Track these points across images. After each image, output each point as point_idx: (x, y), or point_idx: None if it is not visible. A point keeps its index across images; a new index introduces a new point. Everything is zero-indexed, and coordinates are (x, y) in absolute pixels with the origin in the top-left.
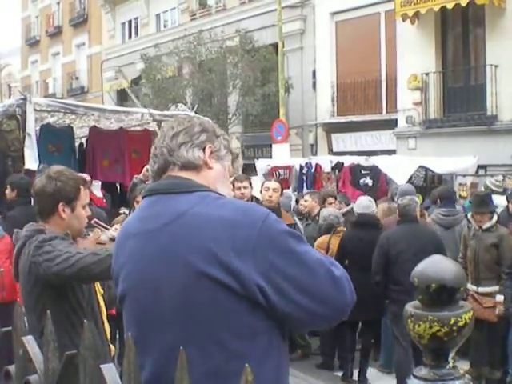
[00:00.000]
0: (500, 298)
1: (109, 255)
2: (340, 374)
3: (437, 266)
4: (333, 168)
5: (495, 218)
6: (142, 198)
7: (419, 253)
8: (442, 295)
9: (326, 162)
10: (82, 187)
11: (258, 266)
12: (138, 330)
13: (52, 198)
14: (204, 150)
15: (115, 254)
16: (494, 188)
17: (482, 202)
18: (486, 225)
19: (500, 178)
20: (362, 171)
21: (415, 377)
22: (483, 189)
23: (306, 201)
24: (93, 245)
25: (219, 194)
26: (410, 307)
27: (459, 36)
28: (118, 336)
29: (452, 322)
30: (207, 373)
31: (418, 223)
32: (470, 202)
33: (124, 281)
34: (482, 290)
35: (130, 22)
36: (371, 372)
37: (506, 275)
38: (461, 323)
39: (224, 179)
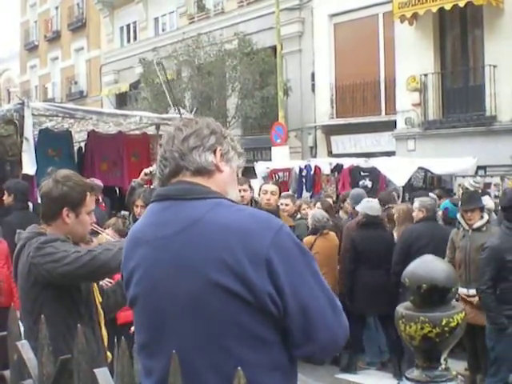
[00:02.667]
0: None
1: (120, 249)
2: (341, 376)
3: (428, 266)
4: (332, 170)
5: (486, 217)
6: (151, 201)
7: (437, 248)
8: (434, 296)
9: (325, 164)
10: (88, 193)
11: (269, 275)
12: (148, 334)
13: (57, 202)
14: (215, 152)
15: (124, 259)
16: (472, 189)
17: (471, 199)
18: (477, 224)
19: (478, 179)
20: (362, 173)
21: (407, 378)
22: (460, 190)
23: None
24: None
25: (231, 200)
26: (401, 308)
27: (457, 37)
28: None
29: (444, 322)
30: (217, 379)
31: (437, 222)
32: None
33: (136, 286)
34: (472, 292)
35: (128, 26)
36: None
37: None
38: (452, 324)
39: (233, 181)
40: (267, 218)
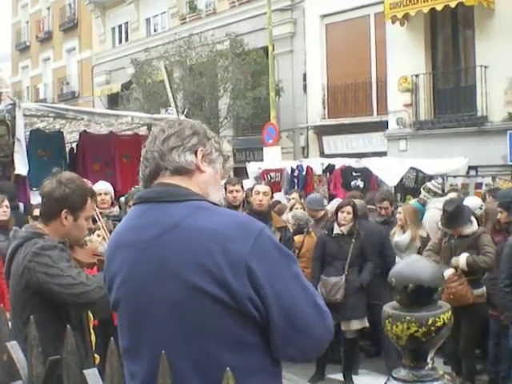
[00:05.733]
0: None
1: None
2: (333, 376)
3: (414, 266)
4: (324, 170)
5: (475, 224)
6: (133, 204)
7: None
8: (420, 295)
9: (317, 164)
10: (89, 199)
11: (249, 280)
12: (130, 338)
13: (58, 203)
14: (196, 153)
15: (107, 263)
16: (435, 190)
17: (452, 220)
18: (466, 232)
19: (440, 180)
20: (353, 173)
21: (394, 378)
22: (423, 191)
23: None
24: (89, 255)
25: (211, 202)
26: (388, 308)
27: (449, 37)
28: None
29: (430, 322)
30: (200, 382)
31: (368, 220)
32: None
33: (117, 290)
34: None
35: (120, 26)
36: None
37: (500, 289)
38: (439, 323)
39: (215, 182)
40: (247, 221)
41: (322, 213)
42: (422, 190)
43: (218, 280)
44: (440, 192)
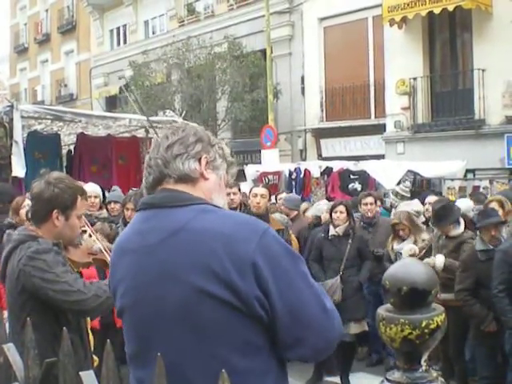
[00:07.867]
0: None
1: (108, 298)
2: (330, 379)
3: (408, 269)
4: (322, 173)
5: (462, 226)
6: (137, 211)
7: None
8: (414, 298)
9: (315, 167)
10: (79, 197)
11: (256, 280)
12: (138, 344)
13: (48, 203)
14: (200, 160)
15: (112, 269)
16: (403, 193)
17: (437, 218)
18: (452, 233)
19: (408, 184)
20: (351, 176)
21: (388, 380)
22: (391, 195)
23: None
24: (84, 254)
25: (215, 205)
26: (382, 310)
27: (447, 40)
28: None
29: (423, 324)
30: None
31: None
32: (384, 209)
33: (123, 296)
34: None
35: (118, 28)
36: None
37: (494, 295)
38: (433, 326)
39: (219, 189)
40: (252, 222)
41: (295, 213)
42: (390, 193)
43: (224, 282)
44: (408, 195)
